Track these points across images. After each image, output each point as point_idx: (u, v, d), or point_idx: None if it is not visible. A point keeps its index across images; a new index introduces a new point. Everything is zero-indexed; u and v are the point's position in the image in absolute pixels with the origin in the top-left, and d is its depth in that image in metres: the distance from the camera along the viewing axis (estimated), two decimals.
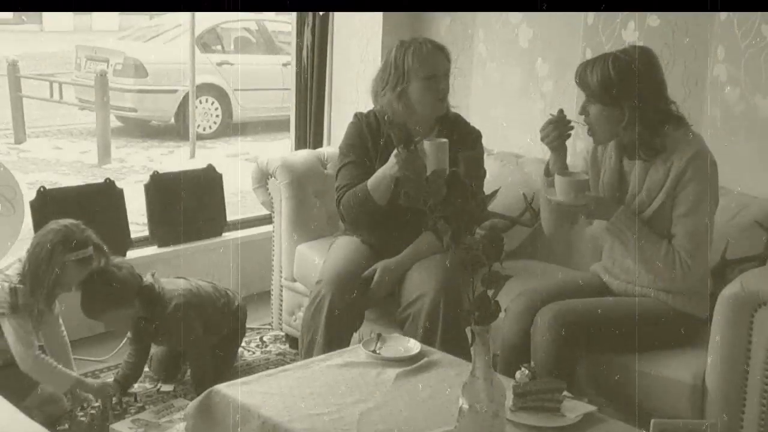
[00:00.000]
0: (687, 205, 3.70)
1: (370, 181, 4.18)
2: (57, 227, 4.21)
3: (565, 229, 4.24)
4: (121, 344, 4.93)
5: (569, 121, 3.84)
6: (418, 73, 4.22)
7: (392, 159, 4.03)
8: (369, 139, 4.37)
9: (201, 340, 4.54)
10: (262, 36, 14.25)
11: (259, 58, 13.93)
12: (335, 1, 5.59)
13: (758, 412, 3.50)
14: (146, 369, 4.70)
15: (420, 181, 2.91)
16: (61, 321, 4.49)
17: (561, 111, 3.84)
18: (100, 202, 5.26)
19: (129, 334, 4.66)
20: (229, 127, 13.25)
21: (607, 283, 4.04)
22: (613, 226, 3.76)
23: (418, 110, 4.25)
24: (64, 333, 4.50)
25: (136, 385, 4.61)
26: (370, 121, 4.40)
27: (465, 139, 4.22)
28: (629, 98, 3.67)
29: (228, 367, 4.74)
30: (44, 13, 20.80)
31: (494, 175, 4.65)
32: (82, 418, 4.09)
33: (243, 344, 5.10)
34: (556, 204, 3.75)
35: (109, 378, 4.62)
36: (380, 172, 4.14)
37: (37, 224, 4.89)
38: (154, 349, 4.72)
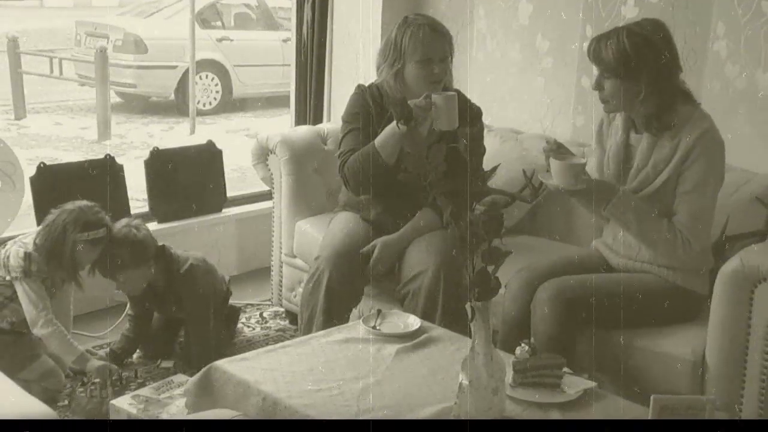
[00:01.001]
0: (692, 182, 3.69)
1: (378, 139, 4.16)
2: (71, 207, 4.32)
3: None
4: (119, 321, 4.97)
5: (564, 148, 3.80)
6: (413, 56, 4.20)
7: None
8: (372, 109, 4.35)
9: (208, 306, 4.62)
10: (261, 12, 14.23)
11: (259, 34, 13.92)
12: None
13: (758, 387, 3.50)
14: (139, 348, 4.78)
15: (420, 156, 2.91)
16: (71, 306, 4.59)
17: (555, 141, 3.80)
18: (100, 178, 5.25)
19: (129, 311, 4.74)
20: (229, 103, 13.26)
21: (608, 258, 4.03)
22: (614, 208, 3.74)
23: (414, 90, 4.23)
24: (71, 316, 4.59)
25: (135, 360, 4.67)
26: (373, 93, 4.39)
27: (465, 116, 4.20)
28: (646, 72, 3.65)
29: (226, 344, 4.77)
30: None
31: (494, 151, 4.65)
32: (82, 395, 4.10)
33: (243, 320, 5.12)
34: (554, 188, 3.73)
35: (104, 349, 4.70)
36: (388, 129, 4.13)
37: (38, 200, 4.92)
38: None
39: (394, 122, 4.08)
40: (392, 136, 4.10)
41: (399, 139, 4.07)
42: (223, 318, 4.83)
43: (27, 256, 4.22)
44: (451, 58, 4.31)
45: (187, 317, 4.65)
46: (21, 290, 4.23)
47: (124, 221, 4.51)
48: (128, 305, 4.74)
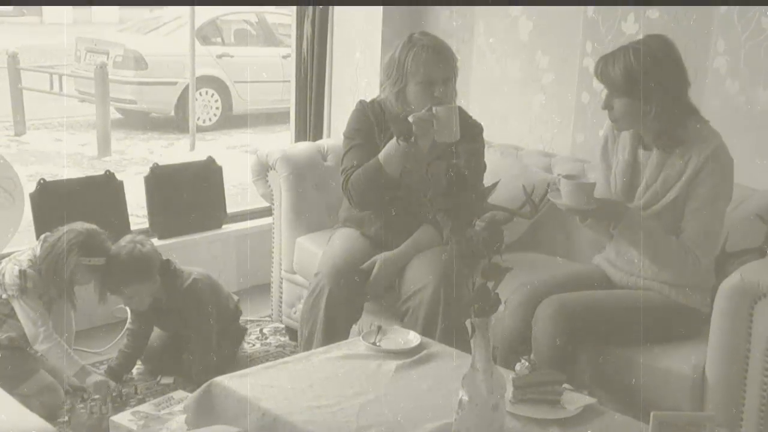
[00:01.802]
0: (702, 200, 3.69)
1: (382, 154, 4.17)
2: (80, 229, 4.35)
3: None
4: (118, 337, 4.95)
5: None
6: (415, 77, 4.22)
7: None
8: (374, 125, 4.36)
9: (210, 322, 4.61)
10: (261, 28, 14.24)
11: (258, 50, 13.94)
12: None
13: (758, 403, 3.50)
14: (139, 364, 4.78)
15: (420, 173, 2.92)
16: (73, 321, 4.60)
17: (568, 175, 3.80)
18: (100, 195, 5.27)
19: (129, 325, 4.73)
20: (229, 120, 13.25)
21: (609, 274, 4.03)
22: (624, 227, 3.73)
23: (415, 110, 4.22)
24: (73, 331, 4.61)
25: (135, 376, 4.66)
26: (375, 109, 4.39)
27: (466, 133, 4.20)
28: (655, 89, 3.64)
29: (229, 362, 4.76)
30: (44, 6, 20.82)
31: (494, 167, 4.64)
32: (82, 411, 4.10)
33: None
34: (565, 208, 3.71)
35: (103, 366, 4.69)
36: (391, 144, 4.13)
37: (38, 216, 4.93)
38: (150, 341, 4.78)
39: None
40: (396, 152, 4.10)
41: (402, 153, 4.08)
42: (229, 336, 4.83)
43: (22, 274, 4.23)
44: (455, 79, 4.31)
45: (190, 333, 4.65)
46: (19, 308, 4.24)
47: (128, 237, 4.52)
48: (128, 320, 4.74)
